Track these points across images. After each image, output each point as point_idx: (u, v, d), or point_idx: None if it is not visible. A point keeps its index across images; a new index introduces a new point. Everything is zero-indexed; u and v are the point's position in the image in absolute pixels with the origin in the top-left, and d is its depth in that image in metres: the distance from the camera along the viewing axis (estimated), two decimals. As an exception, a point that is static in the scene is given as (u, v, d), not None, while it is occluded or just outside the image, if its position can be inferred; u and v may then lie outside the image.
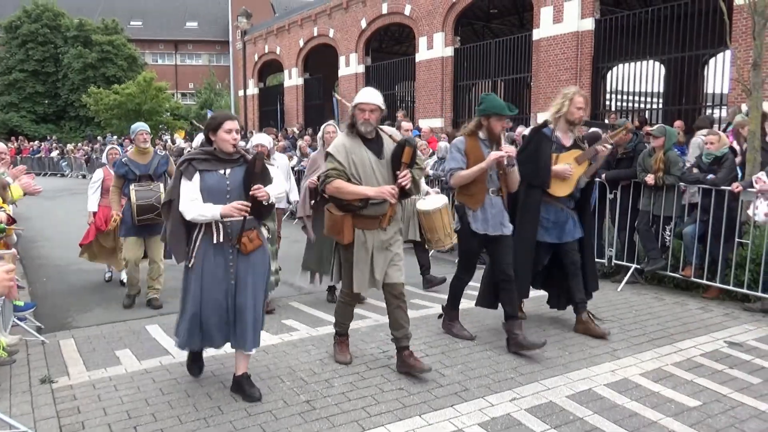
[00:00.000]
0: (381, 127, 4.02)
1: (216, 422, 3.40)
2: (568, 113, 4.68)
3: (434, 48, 18.56)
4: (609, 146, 4.82)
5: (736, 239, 5.79)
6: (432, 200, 6.10)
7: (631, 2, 17.14)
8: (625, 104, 15.61)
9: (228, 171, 3.55)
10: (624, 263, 6.61)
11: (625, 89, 14.66)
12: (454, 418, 3.44)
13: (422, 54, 19.09)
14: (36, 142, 32.40)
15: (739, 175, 6.21)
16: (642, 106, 16.03)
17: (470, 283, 4.85)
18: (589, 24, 14.09)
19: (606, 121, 12.64)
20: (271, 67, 30.31)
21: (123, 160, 5.86)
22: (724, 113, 11.88)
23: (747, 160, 6.28)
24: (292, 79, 26.71)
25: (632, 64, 14.13)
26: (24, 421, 3.38)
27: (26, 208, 11.91)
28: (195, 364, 3.98)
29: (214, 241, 3.53)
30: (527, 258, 4.72)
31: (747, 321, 5.26)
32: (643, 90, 14.53)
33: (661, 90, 17.45)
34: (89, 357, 4.49)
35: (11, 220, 5.07)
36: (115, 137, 27.04)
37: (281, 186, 3.74)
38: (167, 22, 50.21)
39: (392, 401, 3.66)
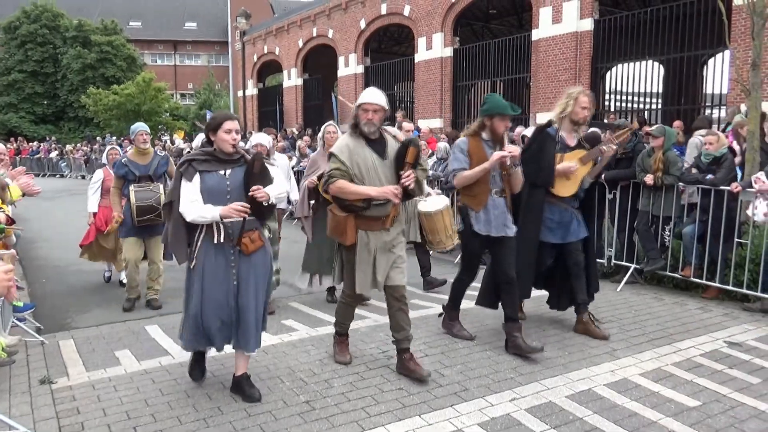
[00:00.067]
0: (384, 127, 4.00)
1: (216, 423, 3.40)
2: (572, 113, 4.66)
3: (433, 48, 18.56)
4: (614, 146, 4.78)
5: (736, 239, 5.79)
6: (433, 202, 6.07)
7: (630, 2, 17.15)
8: (624, 104, 15.62)
9: (228, 171, 3.54)
10: (623, 263, 6.61)
11: (624, 89, 14.67)
12: (454, 418, 3.44)
13: (421, 54, 19.09)
14: (35, 143, 32.38)
15: (739, 175, 6.22)
16: (641, 106, 16.03)
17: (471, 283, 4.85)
18: (588, 24, 14.09)
19: (605, 120, 12.65)
20: (270, 68, 30.30)
21: (123, 160, 5.83)
22: (723, 113, 11.89)
23: (746, 160, 6.29)
24: (291, 79, 26.70)
25: (631, 64, 14.13)
26: (23, 421, 3.38)
27: (25, 209, 11.90)
28: (197, 366, 3.93)
29: (215, 242, 3.53)
30: (530, 258, 4.70)
31: (746, 321, 5.27)
32: (642, 90, 14.53)
33: (660, 90, 17.46)
34: (89, 358, 4.48)
35: (10, 221, 5.07)
36: (114, 138, 27.04)
37: (282, 186, 3.72)
38: (166, 22, 50.20)
39: (392, 401, 3.66)
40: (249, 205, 3.43)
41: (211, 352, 4.07)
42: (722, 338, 4.79)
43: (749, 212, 5.68)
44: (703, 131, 7.50)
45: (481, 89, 18.25)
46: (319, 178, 5.54)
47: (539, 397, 3.71)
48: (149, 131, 6.14)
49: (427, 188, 6.55)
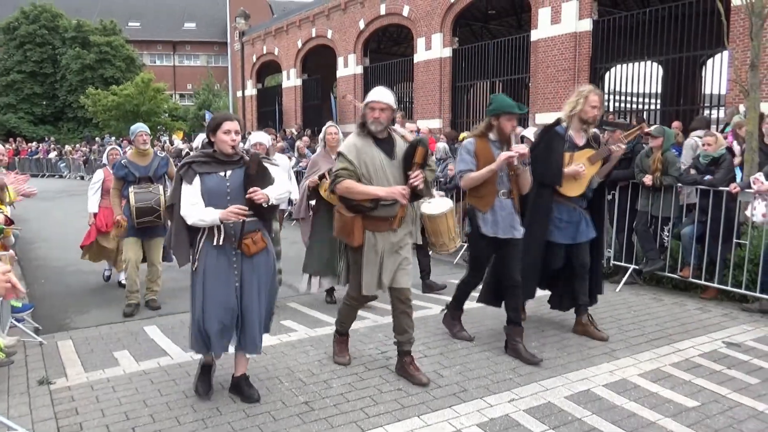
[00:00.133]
0: (393, 127, 3.96)
1: (214, 423, 3.40)
2: (582, 112, 4.58)
3: (432, 49, 18.57)
4: (623, 146, 4.73)
5: (734, 240, 5.79)
6: (437, 204, 6.03)
7: (628, 3, 17.16)
8: (623, 105, 15.62)
9: (228, 173, 3.52)
10: (622, 264, 6.61)
11: (623, 90, 14.67)
12: (453, 419, 3.44)
13: (420, 55, 19.10)
14: (34, 144, 32.33)
15: (739, 176, 6.22)
16: (640, 106, 16.03)
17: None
18: (587, 25, 14.10)
19: (606, 118, 12.64)
20: (269, 68, 30.31)
21: (122, 161, 5.79)
22: (721, 114, 11.90)
23: (745, 161, 6.30)
24: (291, 80, 26.70)
25: (630, 64, 14.14)
26: (22, 422, 3.38)
27: (24, 209, 11.88)
28: (203, 380, 3.75)
29: (214, 244, 3.52)
30: (536, 259, 4.65)
31: (745, 321, 5.27)
32: (641, 91, 14.54)
33: (659, 91, 17.46)
34: (87, 358, 4.48)
35: (9, 221, 5.07)
36: (113, 138, 27.03)
37: (284, 186, 3.65)
38: (165, 23, 50.18)
39: (391, 402, 3.66)
40: (246, 208, 3.41)
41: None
42: (721, 339, 4.80)
43: (748, 213, 5.69)
44: (698, 132, 7.51)
45: (480, 90, 18.25)
46: (321, 177, 5.54)
47: (538, 398, 3.71)
48: (149, 132, 6.12)
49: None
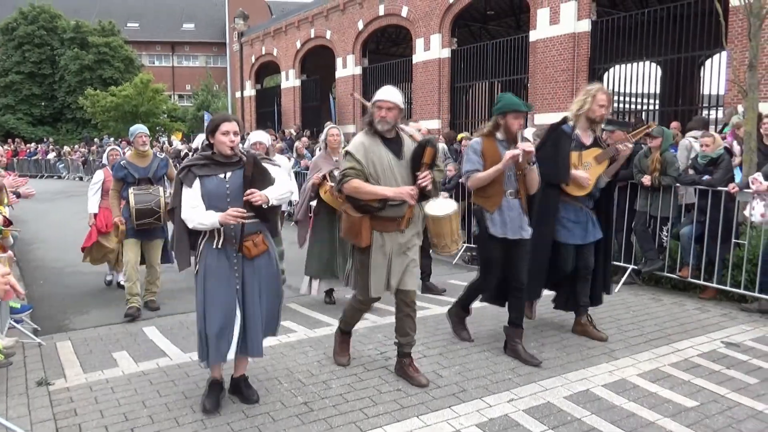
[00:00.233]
0: (401, 126, 3.92)
1: (213, 424, 3.39)
2: (589, 111, 4.52)
3: (431, 49, 18.57)
4: (630, 145, 4.67)
5: (733, 240, 5.80)
6: (441, 205, 6.01)
7: (627, 4, 17.17)
8: (621, 105, 15.63)
9: (228, 174, 3.49)
10: (621, 264, 6.61)
11: (622, 90, 14.68)
12: (452, 419, 3.44)
13: (419, 55, 19.10)
14: (33, 145, 32.30)
15: (739, 176, 6.23)
16: (639, 107, 16.04)
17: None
18: (585, 25, 14.11)
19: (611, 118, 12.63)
20: (268, 69, 30.28)
21: (122, 163, 5.76)
22: (720, 114, 11.90)
23: (743, 161, 6.31)
24: (289, 80, 26.70)
25: (629, 65, 14.15)
26: (21, 423, 3.37)
27: (23, 210, 11.86)
28: (212, 397, 3.60)
29: (214, 246, 3.50)
30: (543, 258, 4.61)
31: (744, 321, 5.28)
32: (639, 91, 14.55)
33: (658, 91, 17.48)
34: (86, 359, 4.48)
35: (7, 222, 5.07)
36: (111, 139, 27.01)
37: (285, 186, 3.61)
38: (164, 23, 50.16)
39: (390, 402, 3.66)
40: (245, 210, 3.38)
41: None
42: (720, 339, 4.80)
43: (746, 213, 5.69)
44: (694, 133, 7.51)
45: (478, 90, 18.26)
46: (325, 176, 5.54)
47: (537, 398, 3.72)
48: (149, 133, 6.10)
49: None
